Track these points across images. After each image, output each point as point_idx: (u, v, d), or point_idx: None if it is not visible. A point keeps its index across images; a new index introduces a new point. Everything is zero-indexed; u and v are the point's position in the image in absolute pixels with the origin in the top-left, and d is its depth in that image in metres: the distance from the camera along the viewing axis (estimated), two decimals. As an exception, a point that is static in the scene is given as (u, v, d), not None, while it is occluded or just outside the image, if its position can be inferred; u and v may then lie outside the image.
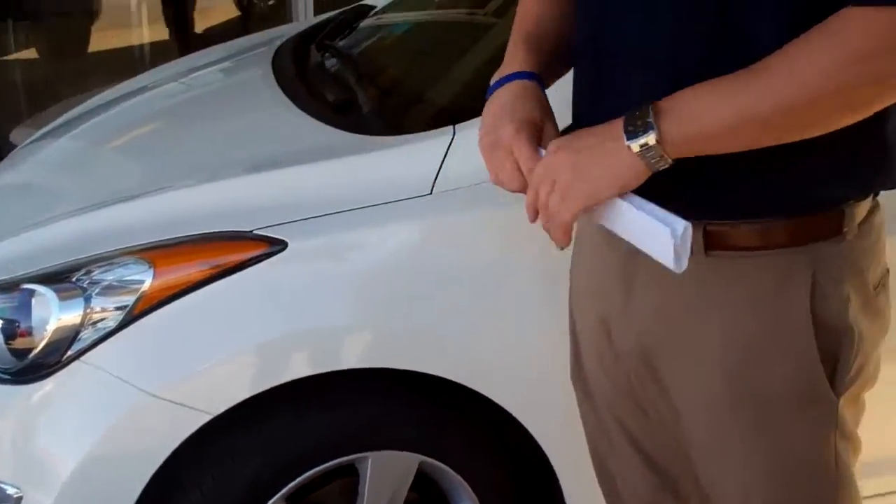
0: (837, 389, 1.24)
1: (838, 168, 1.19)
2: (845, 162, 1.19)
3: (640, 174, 1.13)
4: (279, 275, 1.69)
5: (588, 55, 1.30)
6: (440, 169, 1.73)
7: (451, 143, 1.74)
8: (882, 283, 1.29)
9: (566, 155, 1.16)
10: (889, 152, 1.22)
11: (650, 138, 1.10)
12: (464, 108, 1.81)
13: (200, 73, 2.71)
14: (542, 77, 1.31)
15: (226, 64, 2.74)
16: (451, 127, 1.76)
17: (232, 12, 6.73)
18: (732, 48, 1.13)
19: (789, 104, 1.07)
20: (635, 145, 1.11)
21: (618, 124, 1.13)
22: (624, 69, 1.21)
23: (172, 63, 3.02)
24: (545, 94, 1.29)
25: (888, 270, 1.31)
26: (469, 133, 1.73)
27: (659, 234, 1.12)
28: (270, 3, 6.70)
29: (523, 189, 1.23)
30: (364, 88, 2.17)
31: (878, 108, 1.12)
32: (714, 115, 1.10)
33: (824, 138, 1.12)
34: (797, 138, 1.11)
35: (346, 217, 1.72)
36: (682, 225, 1.11)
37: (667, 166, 1.12)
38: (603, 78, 1.25)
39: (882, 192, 1.28)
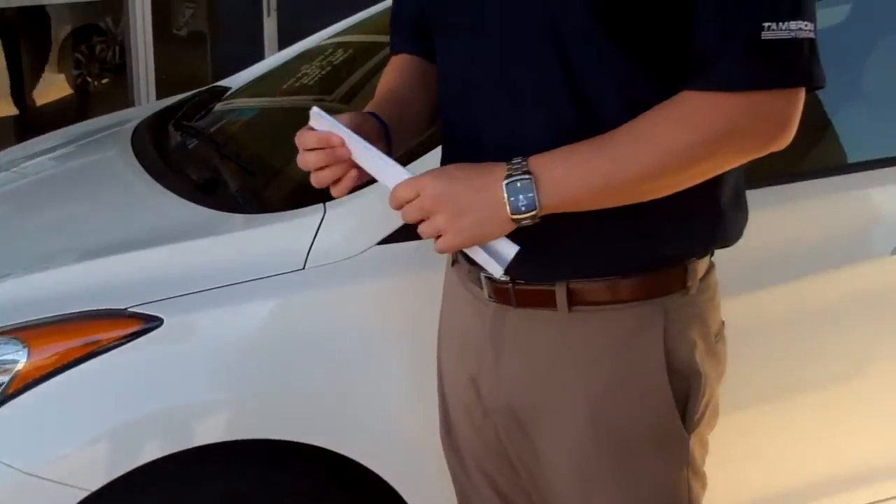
0: (688, 428, 1.39)
1: (681, 229, 1.35)
2: (687, 223, 1.35)
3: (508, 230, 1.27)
4: (155, 351, 1.72)
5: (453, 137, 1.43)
6: (312, 244, 1.81)
7: (322, 220, 1.82)
8: (720, 333, 1.46)
9: (450, 205, 1.26)
10: (724, 214, 1.39)
11: (531, 213, 1.24)
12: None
13: (49, 155, 2.70)
14: (386, 126, 1.42)
15: (74, 147, 2.72)
16: (321, 205, 1.84)
17: (65, 90, 6.65)
18: (585, 126, 1.27)
19: (650, 173, 1.24)
20: (516, 217, 1.24)
21: (499, 190, 1.24)
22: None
23: (16, 147, 2.98)
24: (384, 128, 1.40)
25: (724, 322, 1.48)
26: (340, 210, 1.82)
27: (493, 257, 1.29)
28: (105, 81, 6.66)
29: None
30: (230, 167, 2.22)
31: (724, 170, 1.31)
32: (584, 186, 1.24)
33: (667, 204, 1.29)
34: (653, 197, 1.27)
35: (221, 293, 1.76)
36: (513, 251, 1.28)
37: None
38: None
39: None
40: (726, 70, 1.21)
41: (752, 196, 1.52)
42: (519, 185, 1.23)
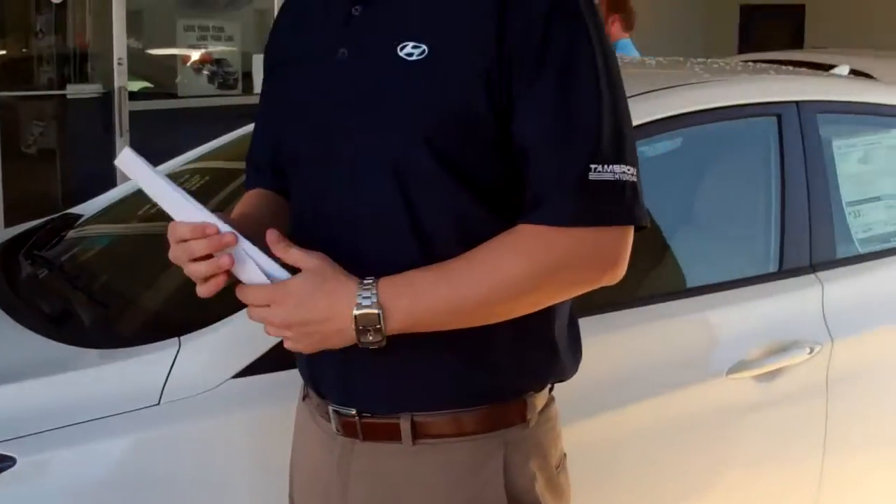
0: None
1: (517, 363, 1.44)
2: (522, 358, 1.44)
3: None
4: (8, 492, 1.69)
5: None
6: (167, 378, 1.82)
7: (177, 354, 1.84)
8: (561, 465, 1.53)
9: (298, 325, 1.33)
10: (557, 351, 1.48)
11: (377, 340, 1.32)
12: (189, 320, 1.93)
13: None
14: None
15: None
16: (176, 339, 1.87)
17: None
18: (425, 258, 1.36)
19: (489, 300, 1.33)
20: (363, 341, 1.32)
21: (348, 317, 1.31)
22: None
23: None
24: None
25: (565, 454, 1.55)
26: (194, 344, 1.85)
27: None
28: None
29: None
30: (83, 299, 2.22)
31: (559, 300, 1.41)
32: (428, 311, 1.33)
33: (503, 339, 1.39)
34: (495, 321, 1.36)
35: (76, 430, 1.75)
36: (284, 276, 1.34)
37: None
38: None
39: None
40: (557, 207, 1.32)
41: (596, 321, 1.64)
42: (367, 316, 1.30)
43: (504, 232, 1.35)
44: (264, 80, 1.63)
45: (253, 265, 1.34)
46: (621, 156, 1.34)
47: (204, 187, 2.84)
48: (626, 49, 5.26)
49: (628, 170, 1.34)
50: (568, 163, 1.32)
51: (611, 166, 1.32)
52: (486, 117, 1.33)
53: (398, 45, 1.35)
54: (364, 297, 1.31)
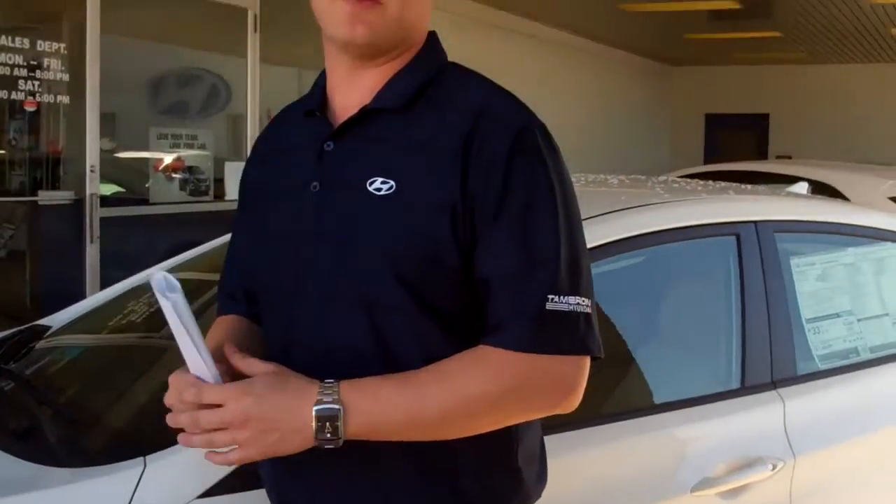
0: None
1: (484, 489, 1.46)
2: (489, 483, 1.47)
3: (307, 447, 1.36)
4: None
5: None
6: (132, 499, 1.81)
7: (142, 474, 1.84)
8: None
9: (255, 424, 1.34)
10: (522, 478, 1.51)
11: (335, 440, 1.33)
12: (155, 438, 1.93)
13: None
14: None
15: None
16: (142, 458, 1.87)
17: None
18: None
19: (449, 415, 1.37)
20: (320, 439, 1.33)
21: (308, 415, 1.33)
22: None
23: None
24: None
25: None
26: (160, 463, 1.85)
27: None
28: None
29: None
30: (46, 416, 2.22)
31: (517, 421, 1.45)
32: (389, 419, 1.35)
33: (470, 466, 1.43)
34: (455, 437, 1.39)
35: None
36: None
37: None
38: None
39: None
40: (516, 333, 1.38)
41: (558, 440, 1.65)
42: (328, 412, 1.33)
43: (467, 350, 1.39)
44: (238, 209, 1.68)
45: (201, 357, 1.37)
46: (576, 288, 1.40)
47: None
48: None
49: (583, 301, 1.40)
50: (528, 294, 1.38)
51: (566, 298, 1.38)
52: (451, 250, 1.39)
53: (368, 180, 1.42)
54: (325, 395, 1.34)
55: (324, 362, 1.43)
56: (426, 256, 1.39)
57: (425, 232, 1.39)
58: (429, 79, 1.48)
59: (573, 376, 1.40)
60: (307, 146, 1.51)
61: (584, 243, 1.45)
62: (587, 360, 1.42)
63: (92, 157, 6.19)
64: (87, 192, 6.12)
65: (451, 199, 1.38)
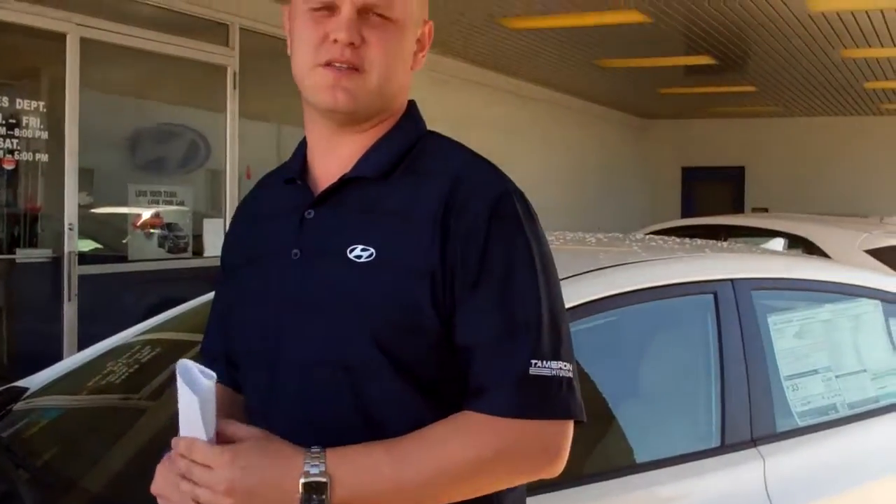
0: None
1: None
2: None
3: None
4: None
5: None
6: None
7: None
8: None
9: (242, 493, 1.31)
10: None
11: None
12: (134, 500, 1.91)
13: None
14: None
15: None
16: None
17: None
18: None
19: (433, 481, 1.36)
20: None
21: (295, 486, 1.31)
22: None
23: None
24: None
25: None
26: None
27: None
28: None
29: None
30: (23, 480, 2.20)
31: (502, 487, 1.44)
32: (374, 488, 1.34)
33: None
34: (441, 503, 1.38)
35: None
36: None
37: None
38: None
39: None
40: (500, 398, 1.38)
41: (545, 500, 1.64)
42: (315, 484, 1.32)
43: (451, 416, 1.39)
44: (220, 274, 1.69)
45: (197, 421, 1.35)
46: (558, 353, 1.41)
47: (156, 359, 2.84)
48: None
49: (565, 366, 1.42)
50: (511, 359, 1.39)
51: (548, 363, 1.40)
52: (431, 316, 1.40)
53: (348, 247, 1.43)
54: (312, 466, 1.33)
55: (305, 428, 1.43)
56: (406, 323, 1.40)
57: (405, 299, 1.40)
58: (408, 147, 1.50)
59: (558, 441, 1.41)
60: (288, 213, 1.52)
61: (564, 308, 1.46)
62: (571, 425, 1.43)
63: (70, 215, 6.19)
64: (66, 249, 6.11)
65: (431, 266, 1.39)
